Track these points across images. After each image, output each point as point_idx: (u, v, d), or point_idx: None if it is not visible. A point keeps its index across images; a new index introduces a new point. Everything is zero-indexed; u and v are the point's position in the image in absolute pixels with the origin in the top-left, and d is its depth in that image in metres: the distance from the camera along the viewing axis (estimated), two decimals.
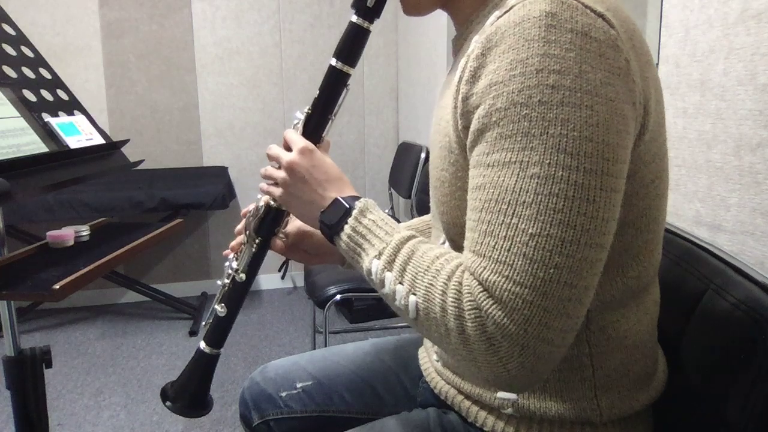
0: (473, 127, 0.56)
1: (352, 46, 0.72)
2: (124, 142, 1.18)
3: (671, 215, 0.98)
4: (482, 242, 0.53)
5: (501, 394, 0.66)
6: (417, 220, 0.98)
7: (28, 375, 0.99)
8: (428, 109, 2.63)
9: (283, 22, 3.01)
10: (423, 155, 2.39)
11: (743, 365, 0.60)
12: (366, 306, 1.78)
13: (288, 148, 0.73)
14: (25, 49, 1.10)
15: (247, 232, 0.80)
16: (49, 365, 1.01)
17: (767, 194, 0.77)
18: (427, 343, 0.84)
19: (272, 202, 0.78)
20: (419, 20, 2.66)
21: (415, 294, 0.57)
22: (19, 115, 0.97)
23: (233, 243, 0.84)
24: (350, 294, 1.74)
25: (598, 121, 0.51)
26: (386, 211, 3.28)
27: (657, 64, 1.00)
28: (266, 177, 0.74)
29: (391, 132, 3.25)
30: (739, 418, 0.59)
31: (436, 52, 2.44)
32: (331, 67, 0.73)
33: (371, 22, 0.71)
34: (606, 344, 0.63)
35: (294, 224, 0.86)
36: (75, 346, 2.51)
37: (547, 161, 0.50)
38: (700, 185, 0.91)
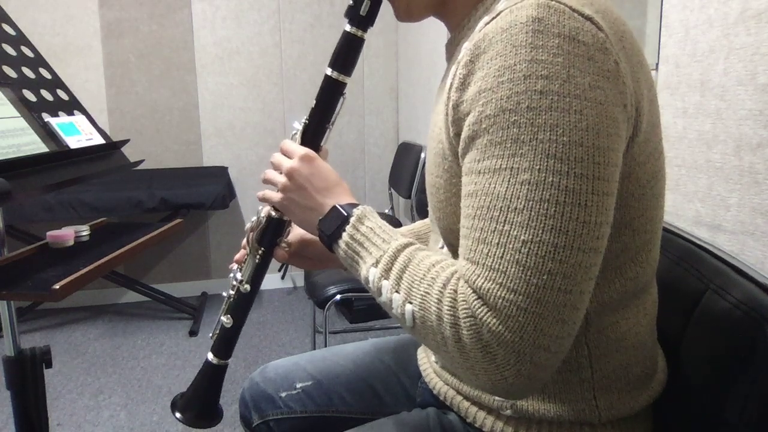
0: (464, 134, 0.55)
1: (346, 55, 0.72)
2: (124, 142, 1.18)
3: (671, 215, 0.98)
4: (476, 249, 0.53)
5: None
6: (419, 223, 0.97)
7: (28, 375, 0.99)
8: (428, 109, 2.63)
9: (283, 22, 3.01)
10: (423, 155, 2.39)
11: (743, 365, 0.60)
12: (366, 306, 1.78)
13: (288, 157, 0.74)
14: (25, 49, 1.11)
15: (250, 243, 0.80)
16: (49, 365, 1.01)
17: (767, 194, 0.77)
18: None
19: (273, 213, 0.78)
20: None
21: (411, 303, 0.57)
22: (19, 115, 0.97)
23: (237, 256, 0.84)
24: (350, 294, 1.74)
25: (588, 125, 0.50)
26: (386, 211, 3.25)
27: (657, 64, 1.00)
28: (267, 181, 0.75)
29: (391, 132, 3.25)
30: (738, 418, 0.59)
31: (436, 52, 2.44)
32: (327, 77, 0.73)
33: (365, 30, 0.71)
34: (605, 346, 0.63)
35: (296, 233, 0.86)
36: (75, 346, 2.51)
37: (537, 167, 0.50)
38: (700, 185, 0.91)
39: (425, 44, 2.60)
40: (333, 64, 0.73)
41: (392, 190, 2.87)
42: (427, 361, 0.82)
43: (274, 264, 0.86)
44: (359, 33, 0.71)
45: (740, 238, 0.82)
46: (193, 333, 2.63)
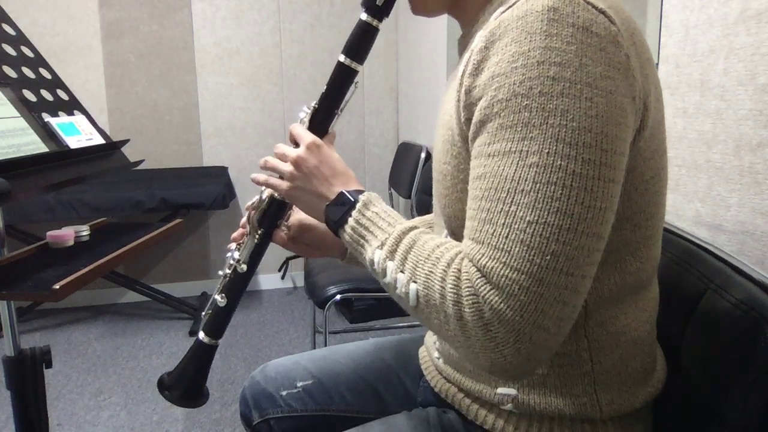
0: (475, 118, 0.56)
1: (360, 43, 0.73)
2: (124, 142, 1.18)
3: (671, 215, 0.98)
4: (481, 230, 0.54)
5: (501, 390, 0.67)
6: (418, 219, 0.98)
7: (28, 375, 0.99)
8: (428, 109, 2.63)
9: (283, 22, 3.01)
10: (423, 155, 2.39)
11: (743, 365, 0.60)
12: (366, 306, 1.78)
13: (294, 143, 0.74)
14: (25, 49, 1.11)
15: (250, 224, 0.81)
16: (49, 365, 1.01)
17: (767, 194, 0.77)
18: (428, 341, 0.85)
19: (276, 195, 0.78)
20: (419, 20, 2.65)
21: (415, 282, 0.58)
22: (19, 115, 0.97)
23: (235, 234, 0.85)
24: (350, 294, 1.74)
25: (597, 112, 0.51)
26: None
27: (657, 64, 1.00)
28: (271, 168, 0.75)
29: (391, 132, 3.25)
30: (738, 418, 0.59)
31: (436, 52, 2.44)
32: (339, 63, 0.74)
33: (380, 20, 0.72)
34: (604, 339, 0.64)
35: (296, 217, 0.87)
36: (75, 346, 2.51)
37: (546, 151, 0.51)
38: (700, 185, 0.91)
39: (425, 44, 2.60)
40: (347, 51, 0.73)
41: (392, 190, 2.87)
42: (428, 358, 0.82)
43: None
44: (374, 22, 0.72)
45: (740, 238, 0.82)
46: (193, 333, 2.62)
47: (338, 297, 1.72)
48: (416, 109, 2.85)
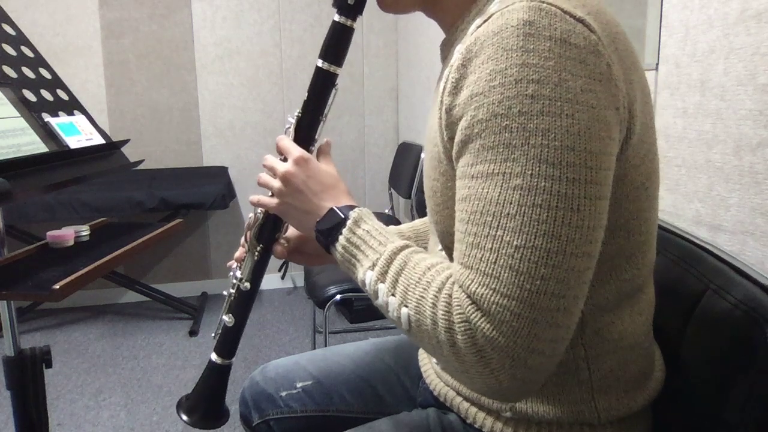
0: (457, 138, 0.55)
1: (336, 45, 0.72)
2: (124, 142, 1.18)
3: (671, 215, 0.98)
4: (469, 254, 0.53)
5: None
6: (420, 221, 0.98)
7: (28, 375, 0.99)
8: (428, 110, 2.62)
9: (283, 22, 3.01)
10: (423, 155, 2.39)
11: (743, 365, 0.60)
12: (366, 306, 1.77)
13: (282, 158, 0.73)
14: (25, 49, 1.11)
15: (248, 241, 0.80)
16: (49, 365, 1.01)
17: (767, 194, 0.77)
18: None
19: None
20: (419, 21, 2.65)
21: (407, 306, 0.57)
22: (19, 115, 0.97)
23: (237, 254, 0.84)
24: (350, 294, 1.74)
25: (580, 129, 0.50)
26: (386, 211, 3.24)
27: (657, 64, 1.00)
28: (263, 185, 0.75)
29: (391, 132, 3.25)
30: (738, 418, 0.59)
31: (436, 52, 2.43)
32: (318, 68, 0.73)
33: (354, 19, 0.71)
34: (601, 346, 0.63)
35: (293, 229, 0.86)
36: (75, 346, 2.51)
37: (530, 172, 0.50)
38: (700, 185, 0.91)
39: (425, 44, 2.60)
40: (324, 56, 0.72)
41: (392, 190, 2.87)
42: (428, 362, 0.82)
43: (275, 264, 0.86)
44: (348, 22, 0.71)
45: (740, 238, 0.82)
46: (193, 333, 2.63)
47: (338, 297, 1.72)
48: (416, 109, 2.85)
